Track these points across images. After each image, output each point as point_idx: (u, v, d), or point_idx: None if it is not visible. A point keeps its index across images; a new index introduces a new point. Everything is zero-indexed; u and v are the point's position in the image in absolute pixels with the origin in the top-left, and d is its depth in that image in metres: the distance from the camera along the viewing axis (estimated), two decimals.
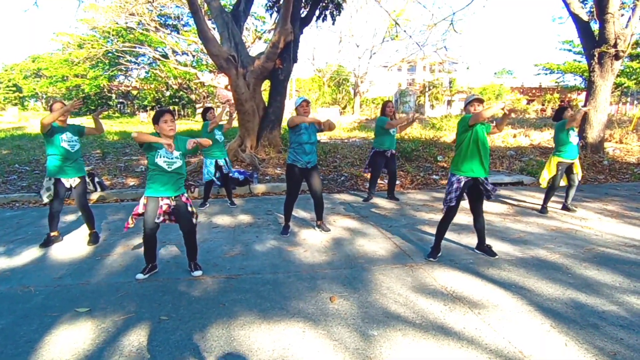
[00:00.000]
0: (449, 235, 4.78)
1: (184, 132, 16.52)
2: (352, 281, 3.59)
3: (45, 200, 4.51)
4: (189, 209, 3.67)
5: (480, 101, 3.93)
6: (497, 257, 4.11)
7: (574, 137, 5.60)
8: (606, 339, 2.65)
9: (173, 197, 3.59)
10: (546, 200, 5.90)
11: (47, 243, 4.56)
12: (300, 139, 4.69)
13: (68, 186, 4.49)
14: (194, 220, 3.74)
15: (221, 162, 6.21)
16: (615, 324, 2.83)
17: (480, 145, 3.88)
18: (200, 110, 33.53)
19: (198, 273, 3.73)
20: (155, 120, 3.49)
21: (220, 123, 6.32)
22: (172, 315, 2.99)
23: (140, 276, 3.66)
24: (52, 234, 4.63)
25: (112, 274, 3.81)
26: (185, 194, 3.70)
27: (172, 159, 3.52)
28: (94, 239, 4.67)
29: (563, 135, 5.61)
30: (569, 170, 5.76)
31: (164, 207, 3.56)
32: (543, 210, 5.86)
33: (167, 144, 3.36)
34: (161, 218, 3.57)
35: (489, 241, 4.30)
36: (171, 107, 37.73)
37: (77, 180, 4.52)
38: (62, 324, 2.89)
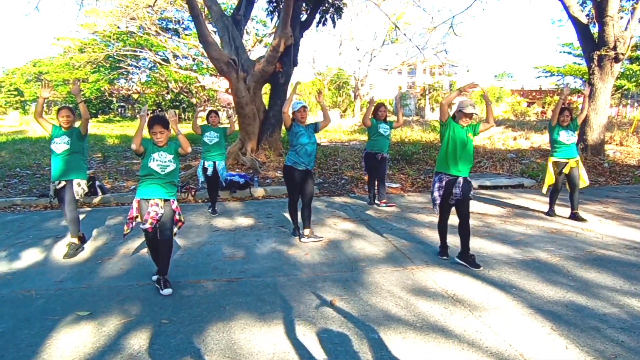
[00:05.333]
0: (449, 238, 4.78)
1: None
2: (352, 284, 3.59)
3: (50, 198, 4.52)
4: (177, 216, 3.60)
5: (469, 116, 3.91)
6: (480, 268, 3.88)
7: (565, 137, 5.51)
8: (607, 341, 2.65)
9: (163, 201, 3.52)
10: (552, 203, 5.86)
11: (69, 254, 4.40)
12: (301, 140, 4.70)
13: (55, 187, 4.43)
14: (175, 230, 3.64)
15: (207, 164, 6.14)
16: (616, 326, 2.83)
17: (459, 145, 3.91)
18: (202, 114, 33.52)
19: (167, 292, 3.40)
20: (149, 127, 3.53)
21: (221, 126, 6.34)
22: (173, 319, 3.00)
23: (156, 277, 3.61)
24: (71, 240, 4.50)
25: (113, 277, 3.81)
26: (176, 201, 3.63)
27: (165, 162, 3.50)
28: (71, 249, 4.40)
29: (553, 134, 5.62)
30: (565, 171, 5.68)
31: (153, 214, 3.43)
32: (550, 213, 5.83)
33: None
34: (147, 225, 3.42)
35: (489, 244, 4.30)
36: (172, 111, 37.84)
37: (62, 184, 4.41)
38: (63, 328, 2.89)
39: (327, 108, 4.91)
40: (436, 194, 4.00)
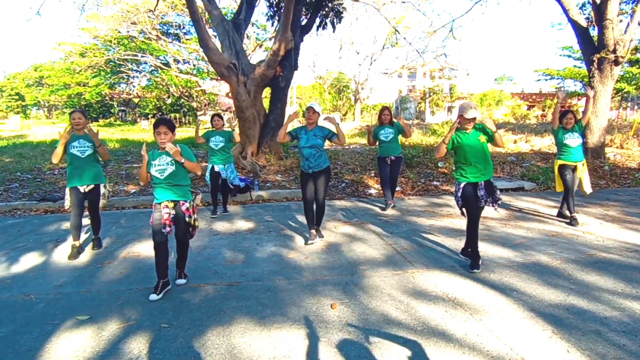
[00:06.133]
0: (449, 241, 4.79)
1: (185, 140, 16.58)
2: (352, 288, 3.58)
3: (67, 205, 4.55)
4: (187, 219, 3.60)
5: (471, 120, 3.83)
6: (479, 270, 3.97)
7: (570, 139, 5.48)
8: (608, 345, 2.63)
9: (173, 202, 3.55)
10: (569, 205, 5.59)
11: (74, 255, 4.45)
12: (299, 144, 4.79)
13: (82, 191, 4.48)
14: (191, 231, 3.68)
15: (217, 168, 6.20)
16: (617, 330, 2.82)
17: (471, 150, 3.89)
18: (202, 118, 33.69)
19: (181, 281, 3.70)
20: (154, 127, 3.54)
21: (226, 130, 6.36)
22: (173, 323, 2.99)
23: (153, 297, 3.37)
24: (74, 243, 4.54)
25: (113, 281, 3.80)
26: (187, 204, 3.61)
27: (163, 165, 3.50)
28: (96, 242, 4.77)
29: (558, 137, 5.60)
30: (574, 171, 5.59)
31: (165, 216, 3.49)
32: (562, 214, 5.78)
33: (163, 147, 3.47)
34: (167, 229, 3.48)
35: (490, 247, 4.29)
36: (172, 115, 37.90)
37: (91, 187, 4.51)
38: (62, 332, 2.88)
39: (341, 129, 4.84)
40: (455, 198, 4.06)
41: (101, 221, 4.79)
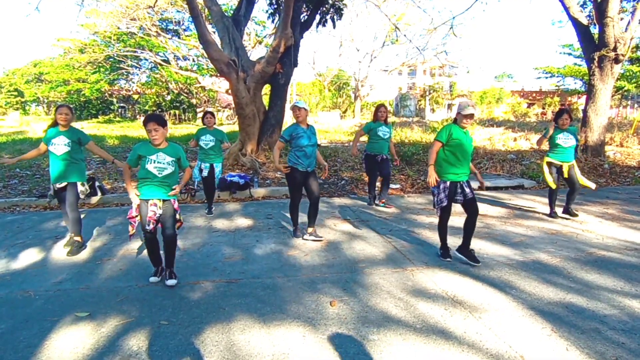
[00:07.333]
0: (449, 239, 4.77)
1: (183, 137, 16.55)
2: (352, 285, 3.58)
3: (49, 199, 4.53)
4: (177, 216, 3.62)
5: (469, 117, 3.89)
6: (479, 264, 3.99)
7: (563, 140, 5.54)
8: (607, 343, 2.64)
9: (163, 201, 3.53)
10: (552, 204, 5.87)
11: (70, 246, 4.54)
12: (300, 142, 4.68)
13: (56, 188, 4.46)
14: (177, 228, 3.69)
15: (203, 165, 6.13)
16: (616, 328, 2.82)
17: (464, 149, 3.93)
18: (201, 114, 33.60)
19: (172, 282, 3.57)
20: (144, 125, 3.50)
21: (218, 129, 6.33)
22: (172, 320, 2.99)
23: (153, 279, 3.66)
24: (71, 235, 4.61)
25: (112, 278, 3.80)
26: (177, 201, 3.64)
27: (163, 164, 3.49)
28: (75, 247, 4.46)
29: (552, 136, 5.67)
30: (560, 172, 5.69)
31: (150, 214, 3.46)
32: (552, 215, 5.82)
33: (136, 204, 3.52)
34: (151, 225, 3.48)
35: (489, 245, 4.28)
36: (172, 112, 37.84)
37: (63, 184, 4.42)
38: (61, 329, 2.88)
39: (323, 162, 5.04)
40: (442, 195, 4.00)
41: (79, 220, 4.52)
